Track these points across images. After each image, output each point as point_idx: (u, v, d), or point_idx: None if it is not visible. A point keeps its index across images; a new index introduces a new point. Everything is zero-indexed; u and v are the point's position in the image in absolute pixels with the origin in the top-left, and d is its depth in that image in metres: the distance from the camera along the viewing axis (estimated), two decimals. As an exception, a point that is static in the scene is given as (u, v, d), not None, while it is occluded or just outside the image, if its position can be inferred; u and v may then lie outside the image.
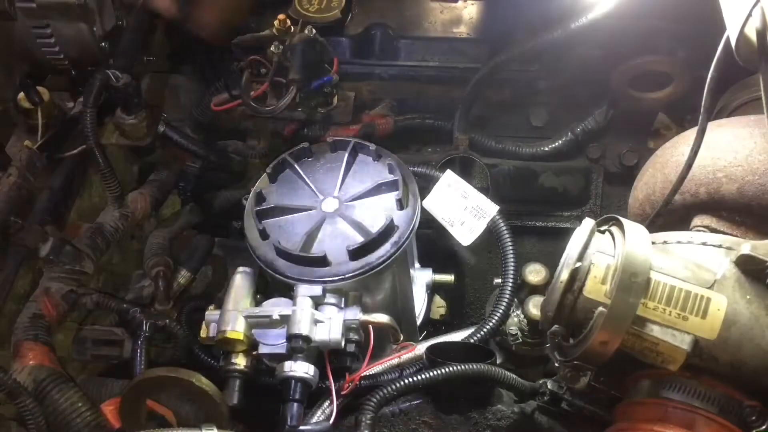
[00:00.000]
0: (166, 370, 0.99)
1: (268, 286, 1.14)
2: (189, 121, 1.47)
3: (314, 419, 1.03)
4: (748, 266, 0.77)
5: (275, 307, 1.03)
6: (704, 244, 0.81)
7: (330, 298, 1.05)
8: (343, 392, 1.05)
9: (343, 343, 1.01)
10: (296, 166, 1.15)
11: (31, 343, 1.10)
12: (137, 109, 1.29)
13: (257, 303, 1.07)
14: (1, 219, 1.12)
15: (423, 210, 1.14)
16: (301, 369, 1.00)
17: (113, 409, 1.06)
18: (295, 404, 0.99)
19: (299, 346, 0.99)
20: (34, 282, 1.21)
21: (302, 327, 0.99)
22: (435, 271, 1.28)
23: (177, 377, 0.97)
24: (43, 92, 1.21)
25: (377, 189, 1.11)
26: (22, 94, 1.20)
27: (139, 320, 1.19)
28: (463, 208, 1.17)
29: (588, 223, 0.84)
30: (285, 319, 1.01)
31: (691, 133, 0.95)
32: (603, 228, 0.86)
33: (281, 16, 1.29)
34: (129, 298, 1.36)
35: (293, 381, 1.00)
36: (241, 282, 1.07)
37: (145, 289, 1.42)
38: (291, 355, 1.01)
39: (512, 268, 1.15)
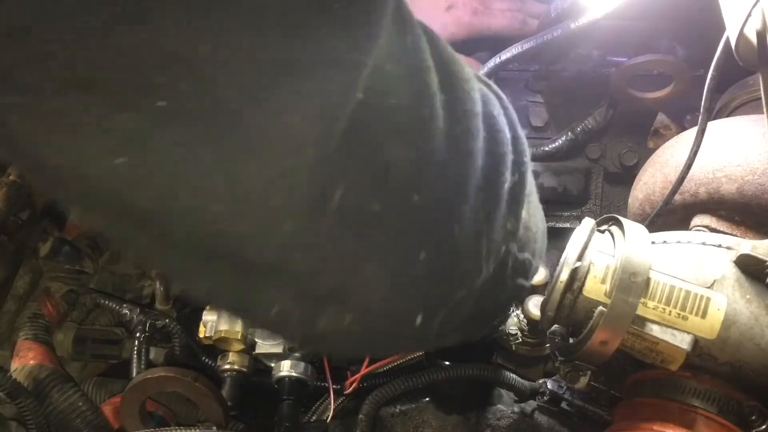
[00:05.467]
0: (165, 370, 0.99)
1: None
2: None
3: (312, 419, 1.03)
4: (748, 266, 0.77)
5: (274, 307, 1.03)
6: (704, 243, 0.81)
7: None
8: (345, 392, 1.05)
9: None
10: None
11: (31, 343, 1.10)
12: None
13: (257, 303, 1.07)
14: (0, 218, 1.12)
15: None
16: (297, 368, 1.00)
17: (113, 409, 1.06)
18: (292, 403, 0.99)
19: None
20: (34, 282, 1.21)
21: (300, 327, 0.99)
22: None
23: (177, 377, 0.97)
24: (43, 92, 1.21)
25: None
26: (22, 94, 1.20)
27: (138, 320, 1.19)
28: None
29: (588, 222, 0.84)
30: (283, 319, 1.01)
31: (691, 133, 0.94)
32: (603, 228, 0.85)
33: (281, 16, 1.28)
34: (129, 298, 1.36)
35: (289, 380, 1.00)
36: (240, 282, 1.07)
37: (145, 288, 1.42)
38: (287, 354, 1.01)
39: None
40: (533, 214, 0.72)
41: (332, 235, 0.48)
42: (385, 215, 0.50)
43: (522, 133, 0.67)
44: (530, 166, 0.68)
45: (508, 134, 0.62)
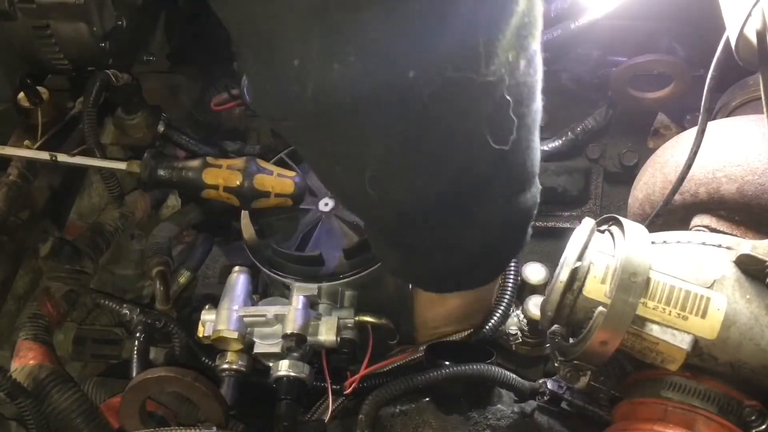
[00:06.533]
0: (165, 370, 0.99)
1: (267, 286, 1.15)
2: (189, 121, 1.47)
3: (312, 419, 1.03)
4: (748, 266, 0.77)
5: (271, 307, 1.03)
6: (704, 243, 0.81)
7: (325, 298, 1.05)
8: (345, 392, 1.05)
9: (338, 343, 1.01)
10: (293, 165, 1.15)
11: (31, 343, 1.10)
12: (137, 109, 1.29)
13: (254, 302, 1.07)
14: (0, 218, 1.12)
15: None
16: (295, 368, 1.00)
17: (113, 409, 1.06)
18: (289, 403, 1.00)
19: (293, 345, 0.99)
20: (34, 282, 1.21)
21: (296, 326, 0.99)
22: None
23: (176, 377, 0.96)
24: (43, 92, 1.21)
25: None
26: (22, 94, 1.20)
27: (138, 320, 1.19)
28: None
29: (588, 222, 0.84)
30: (280, 319, 1.01)
31: (690, 133, 0.95)
32: (603, 228, 0.86)
33: (281, 16, 1.28)
34: (129, 298, 1.36)
35: (287, 380, 1.00)
36: (237, 281, 1.07)
37: (145, 289, 1.42)
38: (286, 354, 1.01)
39: (513, 267, 1.15)
40: (532, 86, 0.74)
41: None
42: None
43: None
44: (540, 28, 0.70)
45: None
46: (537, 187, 0.85)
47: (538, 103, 0.76)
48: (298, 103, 0.65)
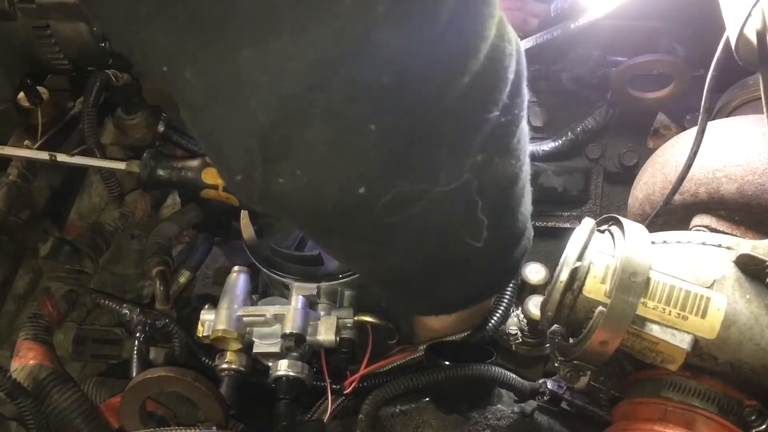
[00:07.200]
0: (165, 370, 0.99)
1: (266, 285, 1.15)
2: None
3: (311, 419, 1.03)
4: (747, 266, 0.77)
5: (270, 306, 1.03)
6: (704, 243, 0.81)
7: (324, 298, 1.05)
8: (345, 392, 1.05)
9: (337, 342, 1.01)
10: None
11: (31, 343, 1.10)
12: (137, 109, 1.30)
13: (253, 302, 1.07)
14: (0, 218, 1.12)
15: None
16: (294, 368, 1.00)
17: (113, 409, 1.06)
18: (288, 403, 1.00)
19: (292, 344, 0.99)
20: (34, 282, 1.21)
21: (295, 326, 0.99)
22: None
23: (176, 377, 0.96)
24: (43, 92, 1.21)
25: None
26: (22, 94, 1.20)
27: (138, 320, 1.19)
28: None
29: (588, 222, 0.84)
30: (279, 318, 1.01)
31: (690, 133, 0.95)
32: (603, 228, 0.86)
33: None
34: (129, 298, 1.36)
35: (286, 380, 1.00)
36: (237, 281, 1.07)
37: (145, 288, 1.42)
38: (285, 354, 1.01)
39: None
40: (513, 175, 0.70)
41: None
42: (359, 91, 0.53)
43: (525, 91, 0.66)
44: (523, 121, 0.67)
45: (510, 76, 0.62)
46: (528, 238, 0.82)
47: (523, 180, 0.72)
48: (249, 203, 0.63)
